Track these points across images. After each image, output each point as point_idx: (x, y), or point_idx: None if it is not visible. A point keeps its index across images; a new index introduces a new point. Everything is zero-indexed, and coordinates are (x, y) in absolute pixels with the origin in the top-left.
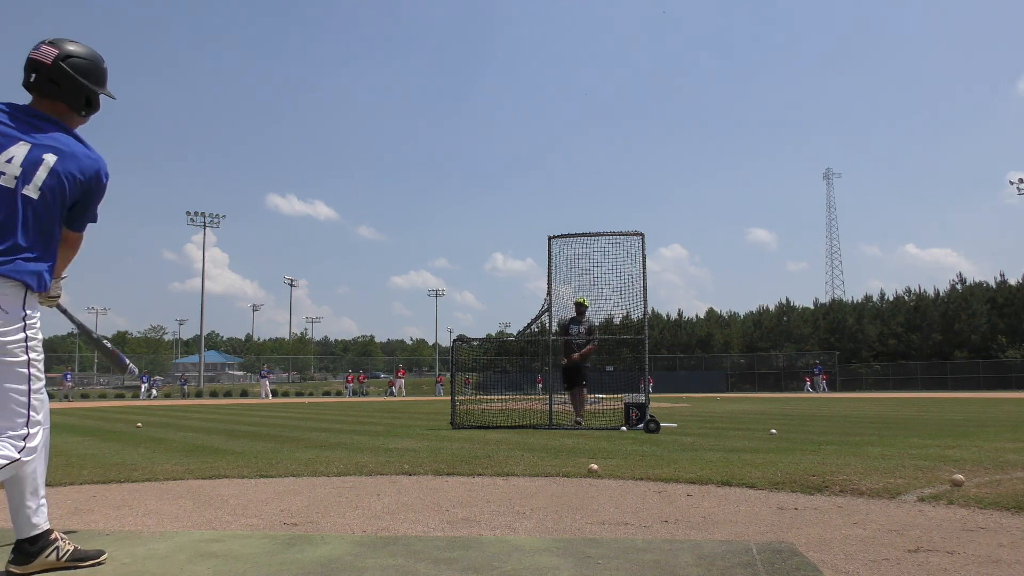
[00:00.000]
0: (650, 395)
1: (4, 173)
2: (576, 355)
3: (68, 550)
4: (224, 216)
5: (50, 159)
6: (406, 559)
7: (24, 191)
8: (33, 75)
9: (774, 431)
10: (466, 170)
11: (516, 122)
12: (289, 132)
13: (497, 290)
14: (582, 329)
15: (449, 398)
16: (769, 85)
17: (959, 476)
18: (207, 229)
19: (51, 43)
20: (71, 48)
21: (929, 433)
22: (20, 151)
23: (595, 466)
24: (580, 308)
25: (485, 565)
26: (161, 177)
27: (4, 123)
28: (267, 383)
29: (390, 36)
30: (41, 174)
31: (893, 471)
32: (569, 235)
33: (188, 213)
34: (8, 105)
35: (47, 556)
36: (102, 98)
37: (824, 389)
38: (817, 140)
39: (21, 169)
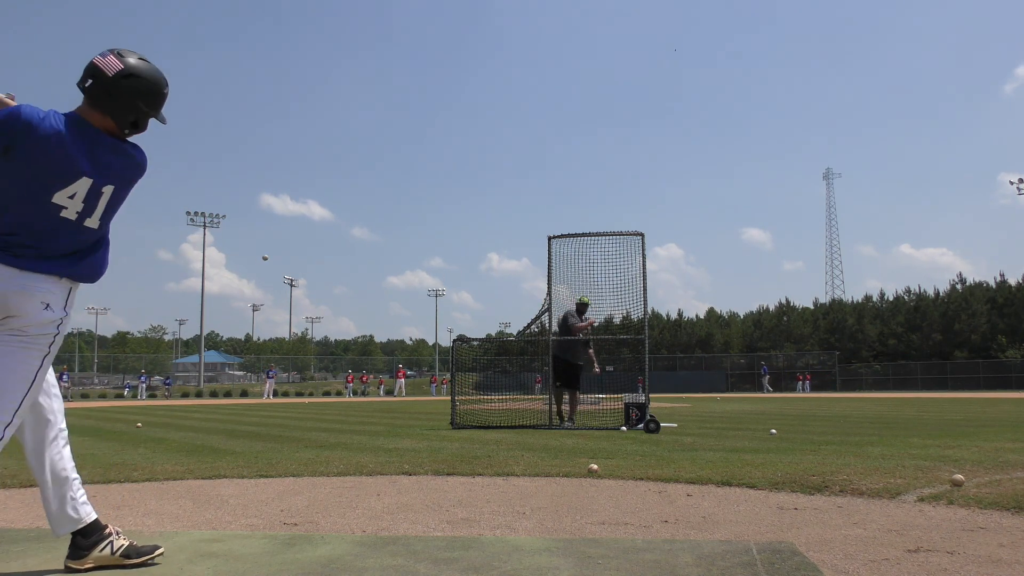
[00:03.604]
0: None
1: (67, 207)
2: (582, 324)
3: (123, 544)
4: (224, 216)
5: (108, 191)
6: (406, 559)
7: (86, 223)
8: (90, 80)
9: (774, 431)
10: (459, 170)
11: (509, 122)
12: (282, 131)
13: (494, 290)
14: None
15: (446, 397)
16: (764, 85)
17: (959, 476)
18: (203, 229)
19: (119, 55)
20: (136, 65)
21: (929, 433)
22: (82, 187)
23: (595, 466)
24: (581, 307)
25: (485, 565)
26: (154, 176)
27: (68, 153)
28: (271, 384)
29: (382, 34)
30: (100, 207)
31: (893, 471)
32: (569, 235)
33: (188, 213)
34: (69, 122)
35: (101, 550)
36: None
37: (768, 390)
38: (811, 140)
39: (83, 204)
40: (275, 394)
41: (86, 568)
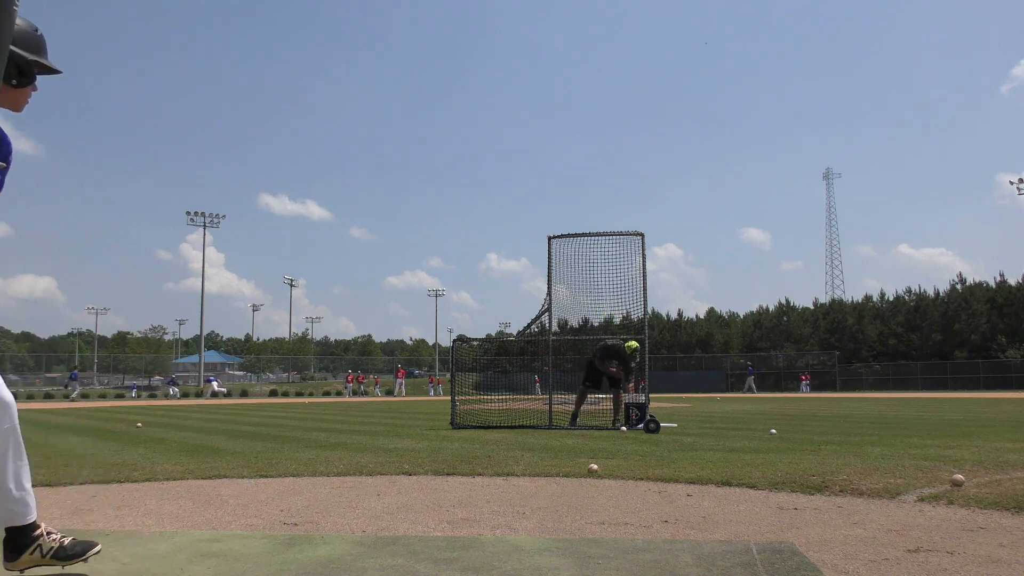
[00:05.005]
0: (646, 395)
1: None
2: (632, 385)
3: (52, 547)
4: (224, 216)
5: None
6: (406, 559)
7: None
8: None
9: (774, 431)
10: (458, 170)
11: (508, 122)
12: (281, 131)
13: (493, 290)
14: (615, 365)
15: (445, 397)
16: (763, 85)
17: (959, 476)
18: (203, 229)
19: None
20: None
21: (929, 433)
22: None
23: (595, 466)
24: (633, 355)
25: (485, 565)
26: (153, 176)
27: None
28: (215, 384)
29: (381, 33)
30: None
31: (893, 471)
32: (569, 235)
33: (188, 213)
34: None
35: (32, 553)
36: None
37: (753, 390)
38: (811, 140)
39: None
40: (274, 394)
41: (20, 569)
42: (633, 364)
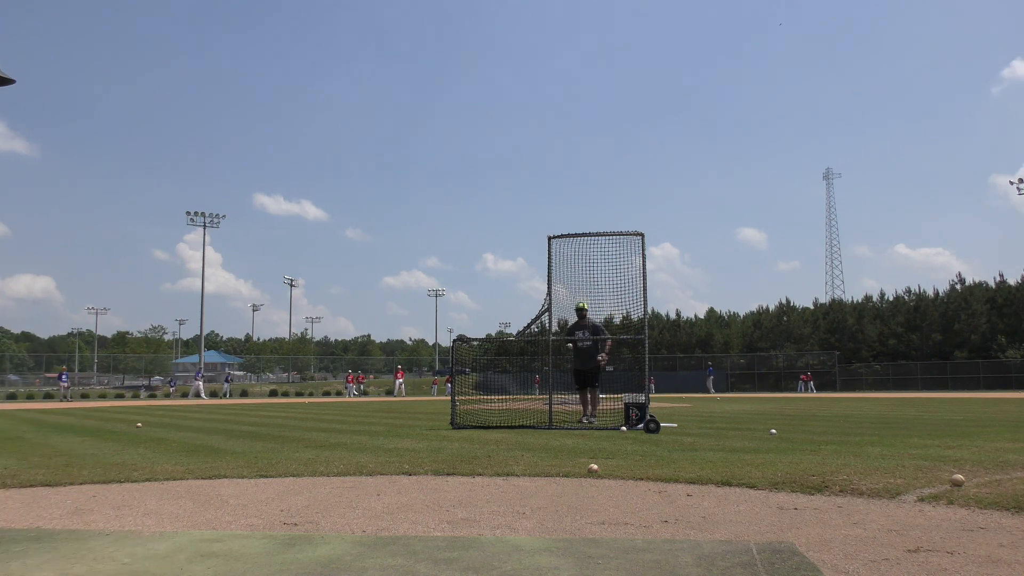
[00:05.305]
0: (650, 395)
1: None
2: (603, 358)
3: None
4: (224, 216)
5: None
6: (406, 559)
7: None
8: None
9: (774, 431)
10: (453, 170)
11: (503, 122)
12: (275, 131)
13: (491, 290)
14: (587, 332)
15: (446, 397)
16: (761, 85)
17: (959, 476)
18: (202, 229)
19: None
20: None
21: (929, 433)
22: None
23: (595, 466)
24: (581, 313)
25: (485, 565)
26: (150, 176)
27: None
28: (199, 385)
29: (376, 33)
30: None
31: (893, 471)
32: (568, 235)
33: (188, 213)
34: None
35: None
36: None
37: (712, 390)
38: (806, 140)
39: None
40: (274, 394)
41: None
42: (588, 324)
